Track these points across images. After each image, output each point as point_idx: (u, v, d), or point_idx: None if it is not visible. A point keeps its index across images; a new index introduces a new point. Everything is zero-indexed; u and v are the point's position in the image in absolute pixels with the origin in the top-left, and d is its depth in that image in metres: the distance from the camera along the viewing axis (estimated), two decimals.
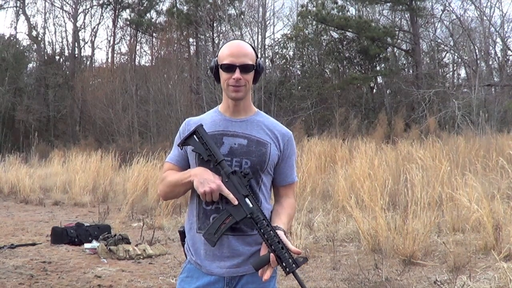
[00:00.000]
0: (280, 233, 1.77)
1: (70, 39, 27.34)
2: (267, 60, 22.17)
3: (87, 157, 12.82)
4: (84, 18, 32.33)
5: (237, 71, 1.83)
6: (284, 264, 1.72)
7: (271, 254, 1.72)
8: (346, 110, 18.64)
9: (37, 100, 24.95)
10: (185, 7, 24.41)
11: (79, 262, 5.36)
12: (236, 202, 1.78)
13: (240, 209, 1.78)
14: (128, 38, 27.32)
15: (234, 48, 1.87)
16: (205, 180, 1.78)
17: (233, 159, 1.85)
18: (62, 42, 31.41)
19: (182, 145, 1.90)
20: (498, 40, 21.05)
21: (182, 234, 1.97)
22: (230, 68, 1.84)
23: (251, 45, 1.93)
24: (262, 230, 1.75)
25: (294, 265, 1.72)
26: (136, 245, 5.83)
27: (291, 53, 23.57)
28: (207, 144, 1.83)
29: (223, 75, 1.87)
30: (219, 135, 1.88)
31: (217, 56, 1.92)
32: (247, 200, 1.78)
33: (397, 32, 21.89)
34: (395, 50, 22.53)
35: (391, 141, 12.17)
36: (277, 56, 23.51)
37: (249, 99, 1.96)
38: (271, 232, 1.74)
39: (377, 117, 17.56)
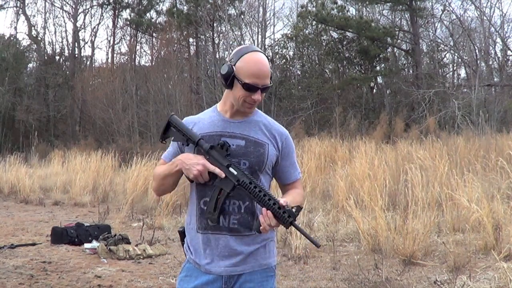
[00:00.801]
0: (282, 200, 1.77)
1: (70, 39, 27.33)
2: None
3: (87, 157, 12.82)
4: (84, 18, 32.23)
5: (259, 92, 1.85)
6: (280, 220, 1.74)
7: (267, 211, 1.73)
8: (345, 110, 18.64)
9: (37, 100, 24.93)
10: (185, 7, 24.40)
11: (79, 262, 5.36)
12: (223, 175, 1.81)
13: (227, 180, 1.82)
14: (128, 38, 27.31)
15: (259, 70, 1.83)
16: (190, 165, 1.83)
17: (231, 160, 1.86)
18: (62, 42, 31.43)
19: (163, 139, 1.97)
20: (498, 40, 21.06)
21: (182, 234, 1.99)
22: (252, 89, 1.83)
23: (267, 57, 1.91)
24: (251, 195, 1.78)
25: (290, 218, 1.74)
26: (136, 245, 5.83)
27: (291, 53, 23.59)
28: (182, 131, 1.89)
29: (241, 91, 1.85)
30: (217, 136, 1.90)
31: (234, 64, 1.84)
32: (230, 169, 1.82)
33: (397, 32, 21.88)
34: (395, 50, 22.53)
35: (391, 141, 12.17)
36: (277, 56, 23.52)
37: None
38: (259, 193, 1.76)
39: (377, 117, 17.56)
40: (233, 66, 1.85)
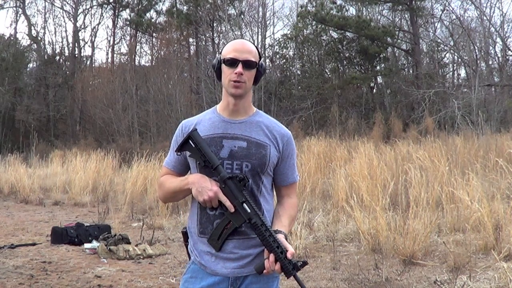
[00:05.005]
0: (280, 236, 1.78)
1: (70, 39, 27.39)
2: (267, 60, 22.16)
3: (87, 157, 12.82)
4: (84, 18, 32.39)
5: (240, 65, 1.84)
6: (284, 269, 1.74)
7: (270, 256, 1.74)
8: (345, 109, 18.64)
9: (37, 100, 24.95)
10: (185, 7, 24.42)
11: (79, 262, 5.36)
12: (232, 210, 1.79)
13: (238, 215, 1.80)
14: (128, 38, 27.34)
15: (239, 45, 1.88)
16: (203, 188, 1.80)
17: (233, 162, 1.85)
18: (62, 42, 31.52)
19: (179, 152, 1.91)
20: (498, 40, 21.06)
21: (185, 235, 1.97)
22: (233, 62, 1.84)
23: (255, 46, 1.94)
24: (260, 237, 1.77)
25: (293, 270, 1.74)
26: (136, 245, 5.83)
27: (291, 53, 23.61)
28: (201, 150, 1.83)
29: (225, 70, 1.87)
30: (219, 138, 1.88)
31: (220, 53, 1.92)
32: (244, 205, 1.79)
33: (397, 32, 21.89)
34: (395, 50, 22.54)
35: (390, 141, 12.16)
36: (277, 56, 23.53)
37: (249, 100, 1.95)
38: (269, 238, 1.75)
39: (376, 117, 17.56)
40: (220, 56, 1.90)
